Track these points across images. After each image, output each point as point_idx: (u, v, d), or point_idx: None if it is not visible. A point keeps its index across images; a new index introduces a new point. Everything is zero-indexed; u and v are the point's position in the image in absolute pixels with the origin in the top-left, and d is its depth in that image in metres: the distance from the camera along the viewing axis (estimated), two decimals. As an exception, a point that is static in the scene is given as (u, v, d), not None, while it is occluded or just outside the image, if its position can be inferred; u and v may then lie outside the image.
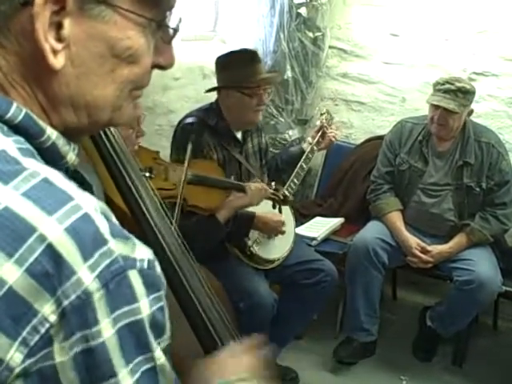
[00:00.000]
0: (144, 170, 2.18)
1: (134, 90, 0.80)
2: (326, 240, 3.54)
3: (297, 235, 3.11)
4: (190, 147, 2.24)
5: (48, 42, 0.68)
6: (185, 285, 1.16)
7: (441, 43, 3.93)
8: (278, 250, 2.91)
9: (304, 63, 3.95)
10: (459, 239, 3.27)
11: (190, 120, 2.68)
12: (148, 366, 0.69)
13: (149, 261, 0.69)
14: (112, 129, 1.16)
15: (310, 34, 3.92)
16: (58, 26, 0.69)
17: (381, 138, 3.72)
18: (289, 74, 3.90)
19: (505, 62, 3.80)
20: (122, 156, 1.15)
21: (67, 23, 0.69)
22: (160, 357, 0.71)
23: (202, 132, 2.68)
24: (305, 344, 3.43)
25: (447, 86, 3.10)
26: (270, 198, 2.73)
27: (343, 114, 4.26)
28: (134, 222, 1.15)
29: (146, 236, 1.15)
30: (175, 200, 2.12)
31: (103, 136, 1.14)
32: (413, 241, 3.27)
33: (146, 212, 1.15)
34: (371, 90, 4.19)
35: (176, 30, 0.85)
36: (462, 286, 3.09)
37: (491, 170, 3.24)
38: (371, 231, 3.34)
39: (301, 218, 3.68)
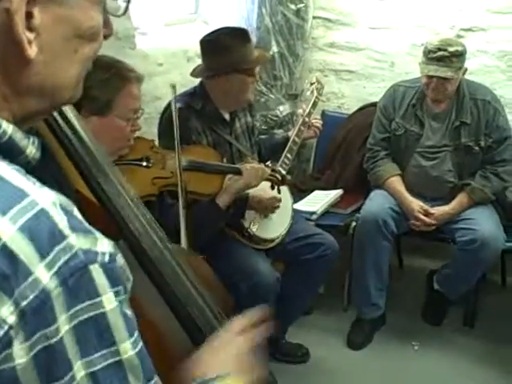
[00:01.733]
0: (141, 160, 2.16)
1: (90, 62, 0.81)
2: (326, 213, 3.52)
3: (295, 211, 3.08)
4: (177, 134, 2.21)
5: (25, 33, 0.68)
6: (160, 271, 1.13)
7: (426, 2, 3.87)
8: (276, 228, 2.89)
9: (289, 37, 3.89)
10: (461, 199, 3.24)
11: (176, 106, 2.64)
12: (113, 359, 0.68)
13: (110, 254, 0.68)
14: (70, 112, 1.13)
15: (293, 6, 3.86)
16: (28, 16, 0.68)
17: (373, 105, 3.68)
18: (274, 49, 3.84)
19: (492, 14, 3.73)
20: (81, 141, 1.11)
21: (37, 12, 0.69)
22: (128, 350, 0.69)
23: (189, 117, 2.65)
24: (314, 319, 3.42)
25: (440, 53, 3.03)
26: (268, 179, 2.71)
27: (333, 85, 4.21)
28: (102, 211, 1.13)
29: (117, 224, 1.13)
30: (174, 188, 2.10)
31: (61, 123, 1.10)
32: (415, 204, 3.24)
33: (112, 199, 1.12)
34: (360, 58, 4.13)
35: (129, 1, 0.86)
36: (465, 246, 3.07)
37: (489, 128, 3.21)
38: (377, 202, 3.31)
39: (299, 193, 3.66)
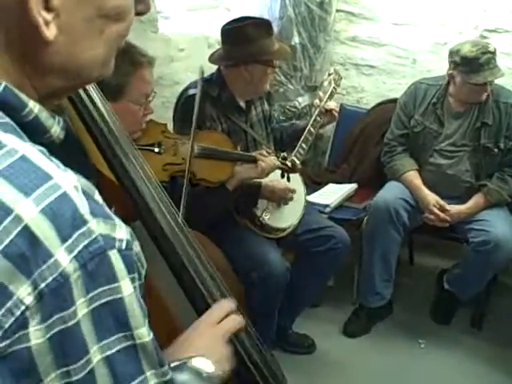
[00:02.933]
0: (153, 146, 2.16)
1: (120, 41, 0.80)
2: (340, 207, 3.50)
3: (308, 203, 3.07)
4: (194, 121, 2.21)
5: (41, 15, 0.66)
6: (176, 250, 1.14)
7: (451, 1, 3.83)
8: (288, 218, 2.89)
9: (311, 28, 3.87)
10: (477, 200, 3.23)
11: (191, 92, 2.65)
12: (128, 343, 0.68)
13: (127, 241, 0.69)
14: (96, 96, 1.14)
15: (316, -2, 3.84)
16: None
17: (393, 101, 3.66)
18: (296, 40, 3.83)
19: (517, 16, 3.69)
20: (106, 123, 1.13)
21: None
22: (142, 335, 0.70)
23: (205, 104, 2.65)
24: (322, 311, 3.42)
25: (486, 56, 2.99)
26: (278, 167, 2.70)
27: (354, 79, 4.20)
28: (121, 191, 1.13)
29: (135, 203, 1.13)
30: (184, 174, 2.10)
31: (88, 104, 1.12)
32: (431, 197, 3.23)
33: (132, 178, 1.13)
34: (381, 53, 4.11)
35: None
36: (478, 247, 3.06)
37: (509, 130, 3.19)
38: (391, 191, 3.30)
39: (314, 185, 3.65)
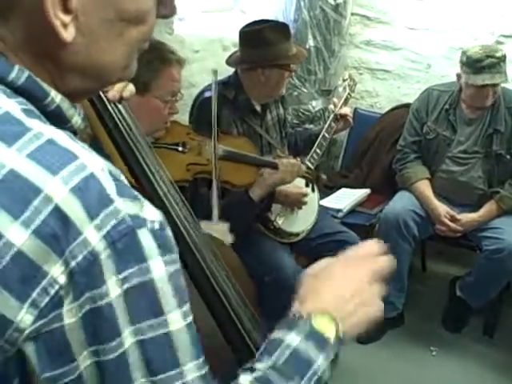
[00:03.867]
0: (177, 145, 2.16)
1: (141, 44, 0.80)
2: (351, 212, 3.50)
3: (321, 207, 3.06)
4: (214, 123, 2.19)
5: (58, 17, 0.67)
6: (195, 255, 1.13)
7: (467, 6, 3.81)
8: (302, 222, 2.88)
9: (326, 31, 3.85)
10: (489, 207, 3.20)
11: (207, 94, 2.64)
12: (161, 330, 0.68)
13: (160, 222, 0.69)
14: (121, 107, 1.13)
15: (332, 1, 3.81)
16: None
17: (407, 106, 3.65)
18: (311, 43, 3.81)
19: (534, 23, 3.67)
20: (127, 126, 1.12)
21: None
22: (176, 321, 0.69)
23: (221, 106, 2.64)
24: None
25: (489, 60, 2.97)
26: (303, 177, 2.69)
27: (368, 83, 4.18)
28: (137, 190, 1.12)
29: (152, 202, 1.12)
30: (208, 175, 2.10)
31: (108, 107, 1.11)
32: (442, 209, 3.21)
33: (154, 182, 1.12)
34: (396, 57, 4.09)
35: None
36: (491, 255, 3.04)
37: None
38: (401, 202, 3.28)
39: (326, 189, 3.64)
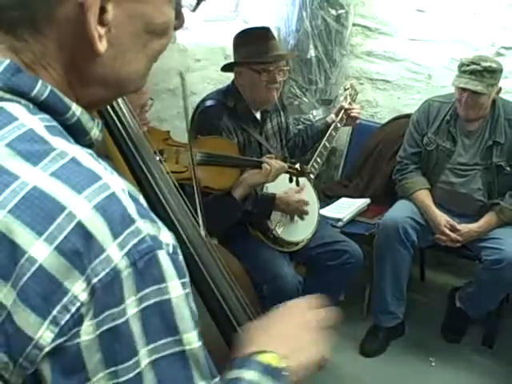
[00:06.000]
0: (155, 154, 2.14)
1: (158, 55, 0.82)
2: (351, 221, 3.50)
3: (321, 216, 3.07)
4: (189, 127, 2.17)
5: (96, 29, 0.69)
6: (200, 267, 1.13)
7: (468, 17, 3.82)
8: (301, 231, 2.88)
9: (327, 42, 3.87)
10: (489, 218, 3.20)
11: (208, 103, 2.65)
12: (177, 348, 0.68)
13: (174, 246, 0.70)
14: (124, 109, 1.14)
15: (333, 12, 3.84)
16: (102, 11, 0.69)
17: (407, 116, 3.65)
18: (312, 53, 3.83)
19: (535, 34, 3.68)
20: (134, 137, 1.13)
21: (110, 7, 0.70)
22: (192, 342, 0.69)
23: (222, 115, 2.65)
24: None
25: (473, 66, 3.00)
26: (286, 172, 2.67)
27: (368, 93, 4.19)
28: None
29: (155, 210, 1.13)
30: (188, 182, 2.05)
31: (115, 117, 1.12)
32: (442, 218, 3.21)
33: (159, 194, 1.13)
34: (396, 68, 4.10)
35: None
36: (490, 266, 3.03)
37: None
38: (401, 210, 3.28)
39: (326, 199, 3.65)
